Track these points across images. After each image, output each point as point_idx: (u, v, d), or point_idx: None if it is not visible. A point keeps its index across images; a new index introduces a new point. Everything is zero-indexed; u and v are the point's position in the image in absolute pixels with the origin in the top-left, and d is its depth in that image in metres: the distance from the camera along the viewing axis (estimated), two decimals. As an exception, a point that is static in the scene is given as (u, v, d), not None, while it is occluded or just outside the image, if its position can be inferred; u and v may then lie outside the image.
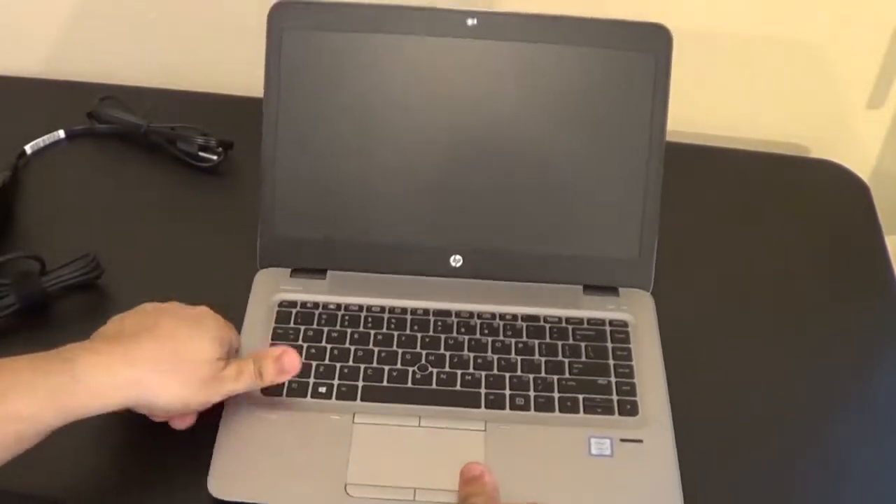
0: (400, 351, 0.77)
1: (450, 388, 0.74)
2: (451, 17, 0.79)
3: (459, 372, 0.75)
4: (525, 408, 0.74)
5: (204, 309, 0.71)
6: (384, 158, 0.80)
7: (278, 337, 0.77)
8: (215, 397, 0.69)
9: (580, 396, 0.74)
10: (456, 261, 0.81)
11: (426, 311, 0.79)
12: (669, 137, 0.80)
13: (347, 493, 0.68)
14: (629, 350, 0.77)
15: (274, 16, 0.79)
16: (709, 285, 0.85)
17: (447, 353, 0.77)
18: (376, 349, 0.77)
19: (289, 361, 0.70)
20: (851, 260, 0.89)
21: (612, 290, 0.81)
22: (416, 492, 0.68)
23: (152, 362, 0.65)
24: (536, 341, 0.78)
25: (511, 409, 0.74)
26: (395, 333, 0.78)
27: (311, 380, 0.74)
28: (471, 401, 0.74)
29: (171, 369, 0.66)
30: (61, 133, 0.95)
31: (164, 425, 0.70)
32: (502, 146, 0.80)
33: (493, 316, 0.79)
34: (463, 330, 0.78)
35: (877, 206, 0.94)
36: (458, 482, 0.68)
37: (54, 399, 0.62)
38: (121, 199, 0.91)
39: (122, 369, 0.64)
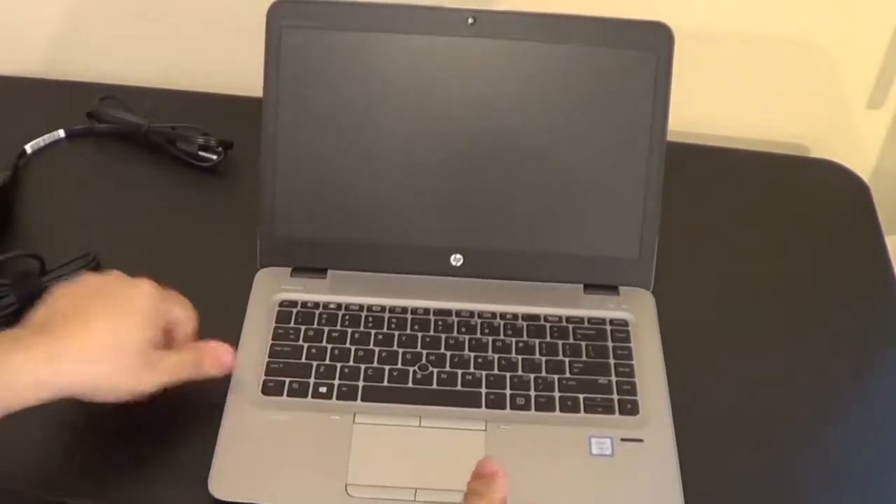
0: (400, 351, 0.76)
1: (450, 388, 0.74)
2: (451, 16, 0.79)
3: (460, 372, 0.75)
4: (525, 407, 0.74)
5: (142, 286, 0.70)
6: (384, 157, 0.80)
7: (279, 337, 0.77)
8: (158, 383, 0.68)
9: (581, 396, 0.74)
10: (456, 260, 0.81)
11: (427, 311, 0.79)
12: (669, 137, 0.80)
13: (348, 494, 0.68)
14: (630, 349, 0.77)
15: (273, 14, 0.79)
16: (709, 285, 0.85)
17: (448, 353, 0.76)
18: (377, 349, 0.76)
19: (224, 352, 0.72)
20: (851, 260, 0.89)
21: (612, 289, 0.81)
22: (417, 492, 0.68)
23: (78, 354, 0.65)
24: (537, 340, 0.78)
25: (511, 408, 0.73)
26: (396, 333, 0.78)
27: (312, 380, 0.74)
28: (471, 400, 0.74)
29: (99, 359, 0.65)
30: (61, 133, 0.95)
31: (165, 426, 0.70)
32: (502, 145, 0.80)
33: (494, 315, 0.79)
34: (463, 329, 0.78)
35: (877, 206, 0.94)
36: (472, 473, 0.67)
37: None
38: (121, 199, 0.91)
39: (48, 363, 0.64)
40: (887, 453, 0.75)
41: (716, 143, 1.00)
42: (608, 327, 0.79)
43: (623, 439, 0.72)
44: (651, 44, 0.79)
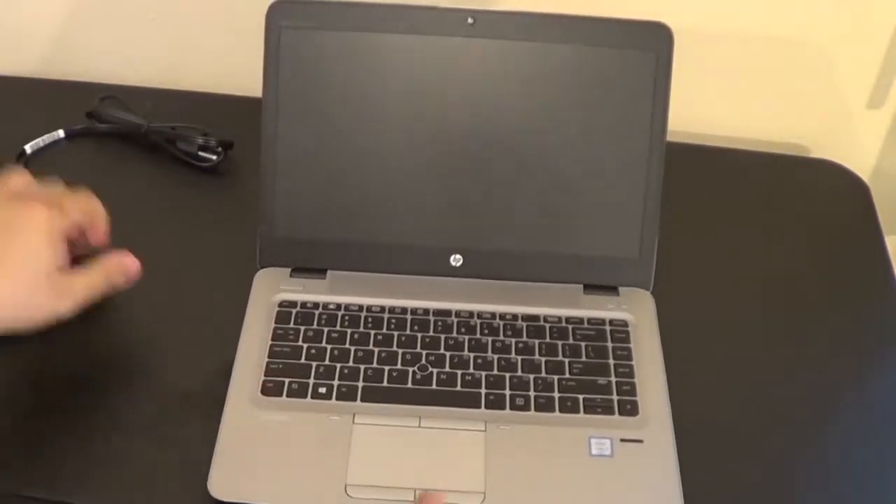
0: (400, 351, 0.76)
1: (450, 389, 0.74)
2: (451, 16, 0.78)
3: (459, 372, 0.75)
4: (525, 408, 0.74)
5: (34, 210, 0.70)
6: (384, 157, 0.80)
7: (278, 337, 0.77)
8: (71, 306, 0.68)
9: (580, 396, 0.74)
10: (456, 260, 0.81)
11: (426, 311, 0.79)
12: (669, 137, 0.80)
13: (347, 494, 0.68)
14: (629, 350, 0.77)
15: (272, 14, 0.79)
16: (709, 285, 0.85)
17: (447, 354, 0.76)
18: (376, 349, 0.76)
19: (129, 261, 0.75)
20: (851, 260, 0.89)
21: (612, 289, 0.81)
22: (417, 492, 0.68)
23: None
24: (536, 341, 0.77)
25: (511, 409, 0.73)
26: (395, 333, 0.78)
27: (312, 380, 0.74)
28: (471, 401, 0.74)
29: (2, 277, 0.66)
30: (61, 133, 0.95)
31: (165, 426, 0.70)
32: (502, 145, 0.80)
33: (493, 316, 0.79)
34: (463, 330, 0.78)
35: (877, 206, 0.94)
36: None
37: None
38: (121, 199, 0.90)
39: None
40: (887, 453, 0.75)
41: (716, 143, 1.00)
42: (608, 328, 0.79)
43: (623, 440, 0.72)
44: (651, 44, 0.79)
